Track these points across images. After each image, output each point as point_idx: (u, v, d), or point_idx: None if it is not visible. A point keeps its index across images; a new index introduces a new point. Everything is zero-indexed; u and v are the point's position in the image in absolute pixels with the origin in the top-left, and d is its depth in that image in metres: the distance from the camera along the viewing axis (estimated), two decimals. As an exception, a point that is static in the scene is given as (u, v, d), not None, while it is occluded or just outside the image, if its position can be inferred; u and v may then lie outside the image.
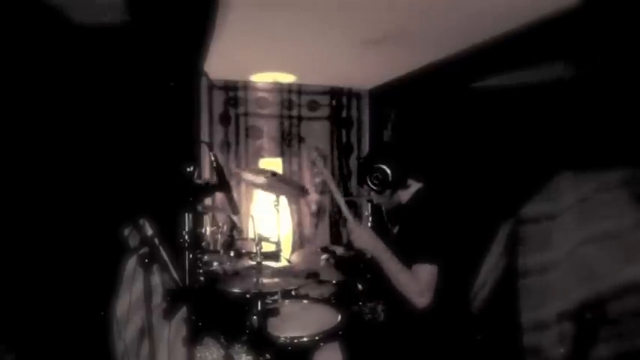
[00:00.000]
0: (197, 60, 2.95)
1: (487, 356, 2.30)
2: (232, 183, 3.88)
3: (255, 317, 2.15)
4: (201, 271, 2.57)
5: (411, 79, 3.66)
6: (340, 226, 4.53)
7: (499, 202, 2.62)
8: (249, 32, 2.79)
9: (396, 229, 2.23)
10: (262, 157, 4.30)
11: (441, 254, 1.87)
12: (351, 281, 2.73)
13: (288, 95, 4.33)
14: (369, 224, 3.28)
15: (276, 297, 2.53)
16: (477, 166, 2.89)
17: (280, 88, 4.28)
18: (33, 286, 2.22)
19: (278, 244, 3.21)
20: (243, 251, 2.90)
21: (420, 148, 3.28)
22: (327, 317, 2.26)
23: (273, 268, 2.40)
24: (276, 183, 2.83)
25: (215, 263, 2.70)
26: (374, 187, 2.10)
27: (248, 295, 2.23)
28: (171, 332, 2.12)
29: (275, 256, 3.08)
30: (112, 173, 2.40)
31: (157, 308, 1.97)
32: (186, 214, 1.83)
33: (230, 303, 2.39)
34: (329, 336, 2.11)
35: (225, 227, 3.11)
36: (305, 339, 2.11)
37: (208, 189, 2.10)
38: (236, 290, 2.25)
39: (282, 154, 4.34)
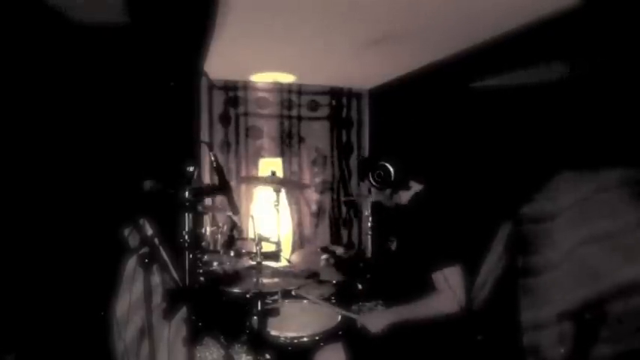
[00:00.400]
0: (197, 60, 2.96)
1: (487, 356, 2.30)
2: (232, 183, 3.89)
3: (255, 317, 2.15)
4: (201, 271, 2.57)
5: (411, 79, 3.66)
6: (340, 226, 4.54)
7: (499, 202, 2.62)
8: (249, 32, 2.79)
9: (394, 245, 2.22)
10: (262, 157, 4.30)
11: (458, 253, 1.88)
12: (351, 281, 2.73)
13: (288, 95, 4.33)
14: (369, 224, 3.28)
15: (276, 297, 2.53)
16: (477, 166, 2.89)
17: (280, 88, 4.28)
18: (33, 286, 2.22)
19: (278, 244, 3.22)
20: (243, 251, 2.90)
21: (421, 148, 3.28)
22: (327, 317, 2.26)
23: (273, 268, 2.40)
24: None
25: (215, 263, 2.70)
26: (375, 185, 2.11)
27: (248, 295, 2.23)
28: (171, 332, 2.12)
29: (275, 256, 3.08)
30: (112, 173, 2.40)
31: (156, 308, 1.97)
32: (186, 214, 1.83)
33: (230, 303, 2.39)
34: (329, 336, 2.11)
35: (225, 227, 3.11)
36: (305, 339, 2.11)
37: (208, 189, 2.10)
38: (236, 290, 2.25)
39: (282, 154, 4.34)
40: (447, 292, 1.84)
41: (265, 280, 2.22)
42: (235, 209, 2.13)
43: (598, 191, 2.13)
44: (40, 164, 2.27)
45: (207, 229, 3.09)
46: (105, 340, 2.20)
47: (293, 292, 2.50)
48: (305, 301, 2.42)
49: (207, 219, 3.21)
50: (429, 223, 1.99)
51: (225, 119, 4.19)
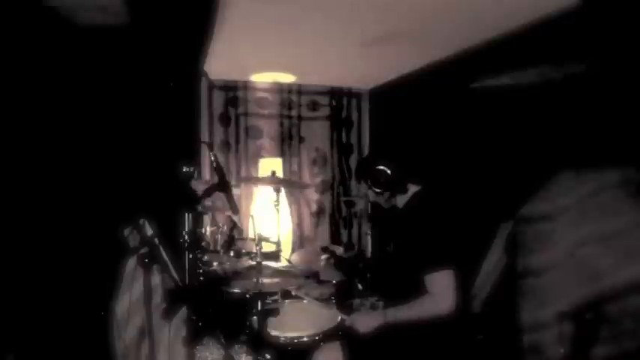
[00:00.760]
0: (197, 60, 2.96)
1: (487, 356, 2.30)
2: (232, 183, 3.89)
3: (255, 317, 2.15)
4: (201, 271, 2.57)
5: (411, 79, 3.66)
6: (340, 227, 4.54)
7: (499, 202, 2.62)
8: (249, 32, 2.79)
9: (390, 247, 2.22)
10: (262, 157, 4.30)
11: (450, 256, 1.88)
12: (351, 281, 2.73)
13: (288, 95, 4.33)
14: (369, 224, 3.28)
15: (276, 297, 2.53)
16: (477, 166, 2.89)
17: (280, 88, 4.28)
18: (33, 286, 2.22)
19: (278, 244, 3.22)
20: (243, 251, 2.90)
21: (421, 148, 3.28)
22: (327, 317, 2.26)
23: (273, 268, 2.40)
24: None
25: (215, 263, 2.70)
26: (373, 188, 2.11)
27: (248, 295, 2.23)
28: (171, 332, 2.13)
29: (275, 256, 3.08)
30: (112, 173, 2.40)
31: (156, 308, 1.98)
32: (186, 214, 1.84)
33: (230, 303, 2.38)
34: (329, 336, 2.11)
35: (225, 227, 3.11)
36: (305, 339, 2.11)
37: (208, 189, 2.11)
38: (236, 290, 2.25)
39: (282, 154, 4.34)
40: (438, 295, 1.84)
41: (265, 280, 2.22)
42: (235, 209, 2.14)
43: (598, 191, 2.13)
44: (40, 164, 2.27)
45: (207, 229, 3.09)
46: (105, 340, 2.20)
47: (293, 292, 2.50)
48: (305, 300, 2.42)
49: (207, 219, 3.21)
50: (422, 226, 1.99)
51: (225, 119, 4.19)
